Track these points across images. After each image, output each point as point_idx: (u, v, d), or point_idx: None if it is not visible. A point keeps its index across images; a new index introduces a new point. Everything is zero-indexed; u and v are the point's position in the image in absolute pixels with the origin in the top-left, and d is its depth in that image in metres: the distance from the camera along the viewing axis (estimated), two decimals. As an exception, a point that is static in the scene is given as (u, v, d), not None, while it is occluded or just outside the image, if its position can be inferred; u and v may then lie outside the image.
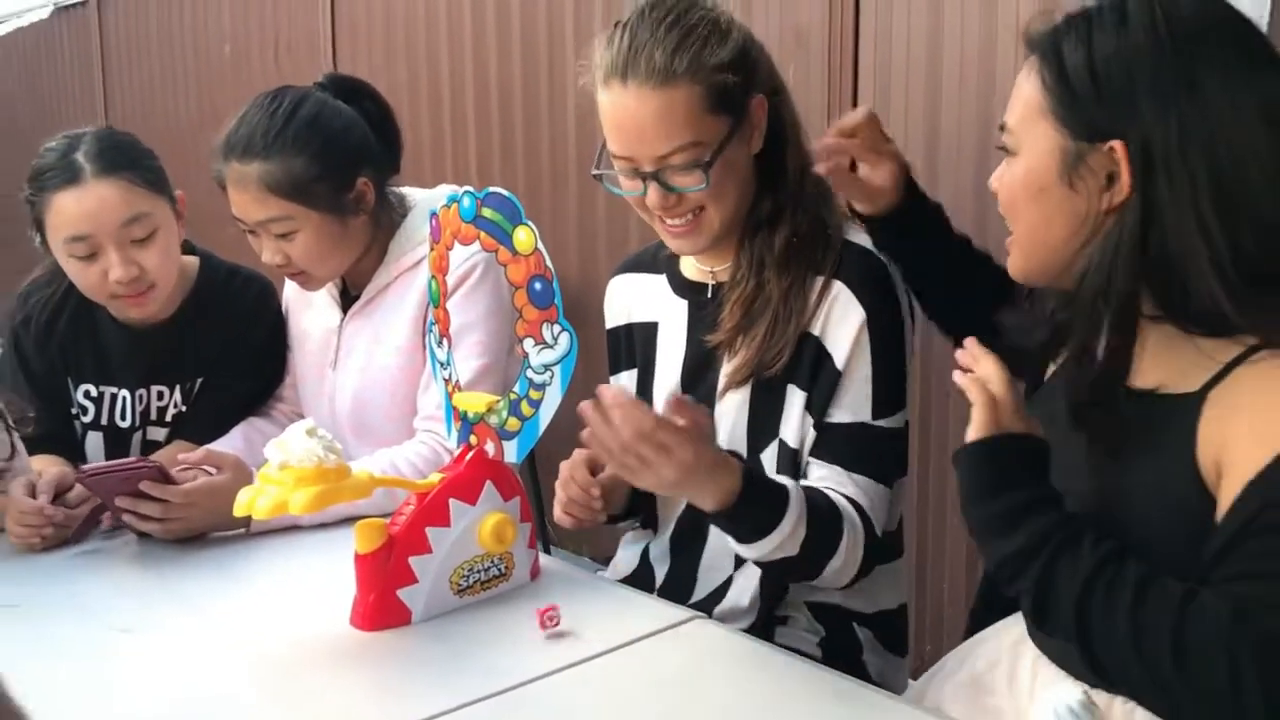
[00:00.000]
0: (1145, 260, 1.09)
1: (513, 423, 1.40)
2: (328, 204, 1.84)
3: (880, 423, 1.47)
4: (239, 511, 1.32)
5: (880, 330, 1.46)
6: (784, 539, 1.35)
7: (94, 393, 2.05)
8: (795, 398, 1.50)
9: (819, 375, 1.47)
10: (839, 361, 1.46)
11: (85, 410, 2.05)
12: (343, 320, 1.99)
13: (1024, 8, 2.21)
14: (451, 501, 1.39)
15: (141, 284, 1.91)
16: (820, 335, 1.47)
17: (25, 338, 2.05)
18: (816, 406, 1.48)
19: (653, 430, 1.24)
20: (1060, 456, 1.18)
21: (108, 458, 2.02)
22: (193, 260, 2.08)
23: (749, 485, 1.33)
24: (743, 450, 1.53)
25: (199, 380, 2.05)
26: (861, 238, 1.53)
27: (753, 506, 1.34)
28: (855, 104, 2.54)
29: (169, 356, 2.03)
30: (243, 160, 1.81)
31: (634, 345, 1.68)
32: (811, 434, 1.49)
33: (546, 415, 1.38)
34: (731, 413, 1.53)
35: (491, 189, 1.37)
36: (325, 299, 2.03)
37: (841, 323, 1.46)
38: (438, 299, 1.48)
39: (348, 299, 2.01)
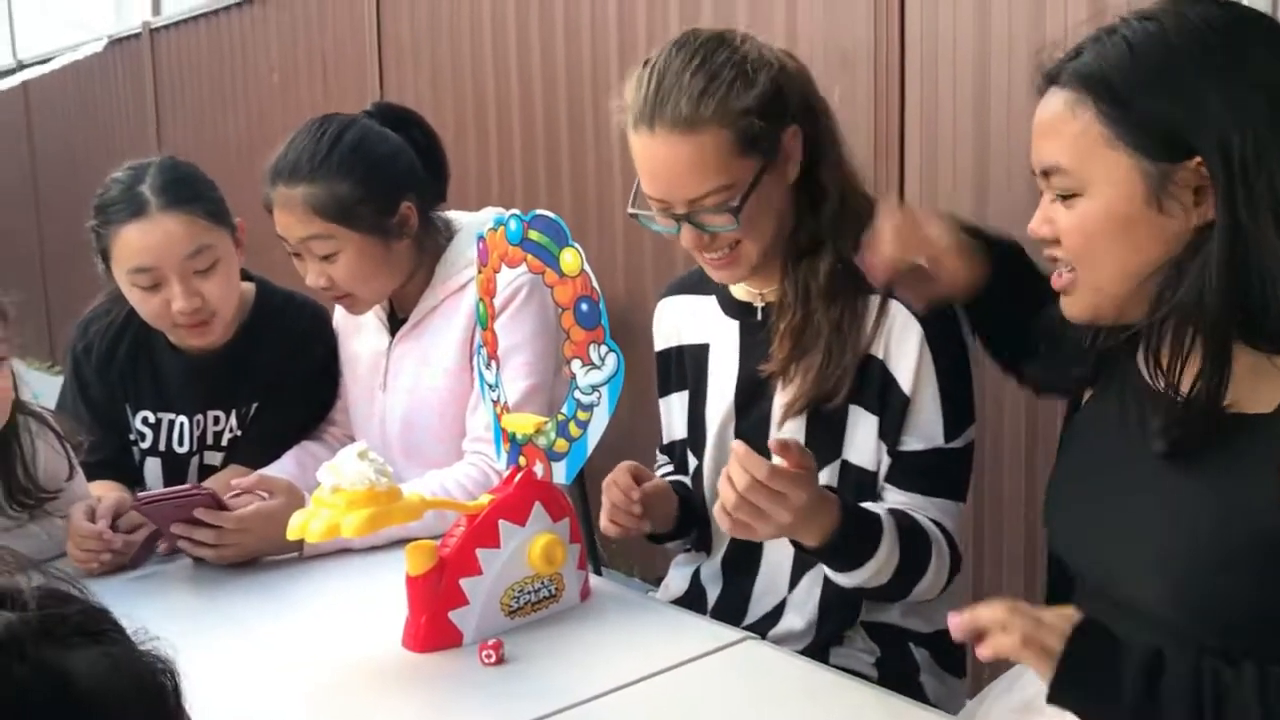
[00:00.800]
0: (1233, 275, 1.05)
1: (561, 444, 1.40)
2: (370, 226, 1.86)
3: (953, 444, 1.47)
4: (292, 535, 1.34)
5: (941, 345, 1.46)
6: (880, 566, 1.39)
7: (152, 419, 2.07)
8: (862, 420, 1.49)
9: (887, 400, 1.47)
10: (905, 386, 1.46)
11: (143, 436, 2.08)
12: (391, 343, 2.01)
13: (1073, 23, 2.19)
14: (501, 523, 1.40)
15: (203, 313, 1.95)
16: (884, 359, 1.47)
17: (85, 365, 2.08)
18: (889, 435, 1.48)
19: (768, 477, 1.25)
20: (1116, 480, 1.15)
21: (165, 483, 2.05)
22: (249, 286, 2.11)
23: (847, 519, 1.35)
24: None
25: (254, 405, 2.08)
26: None
27: (850, 539, 1.36)
28: (902, 124, 2.52)
29: (226, 382, 2.06)
30: (289, 183, 1.84)
31: (684, 367, 1.68)
32: (886, 460, 1.49)
33: (594, 436, 1.38)
34: (788, 436, 1.52)
35: (538, 212, 1.38)
36: (374, 322, 2.05)
37: (902, 344, 1.45)
38: (486, 321, 1.49)
39: (395, 322, 2.03)
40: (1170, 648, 1.04)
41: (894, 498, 1.48)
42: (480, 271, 1.47)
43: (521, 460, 1.45)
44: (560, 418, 1.40)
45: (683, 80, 1.41)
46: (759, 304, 1.58)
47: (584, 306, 1.34)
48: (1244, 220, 1.04)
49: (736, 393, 1.59)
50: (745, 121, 1.41)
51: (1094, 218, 1.12)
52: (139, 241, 1.90)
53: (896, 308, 1.46)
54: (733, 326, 1.61)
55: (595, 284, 1.33)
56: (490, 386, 1.50)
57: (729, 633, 1.43)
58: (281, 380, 2.07)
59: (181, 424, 2.06)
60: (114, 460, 2.04)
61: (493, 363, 1.50)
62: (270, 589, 1.63)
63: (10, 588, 0.61)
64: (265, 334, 2.07)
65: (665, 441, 1.75)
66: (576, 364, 1.36)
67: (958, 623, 1.04)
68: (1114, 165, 1.09)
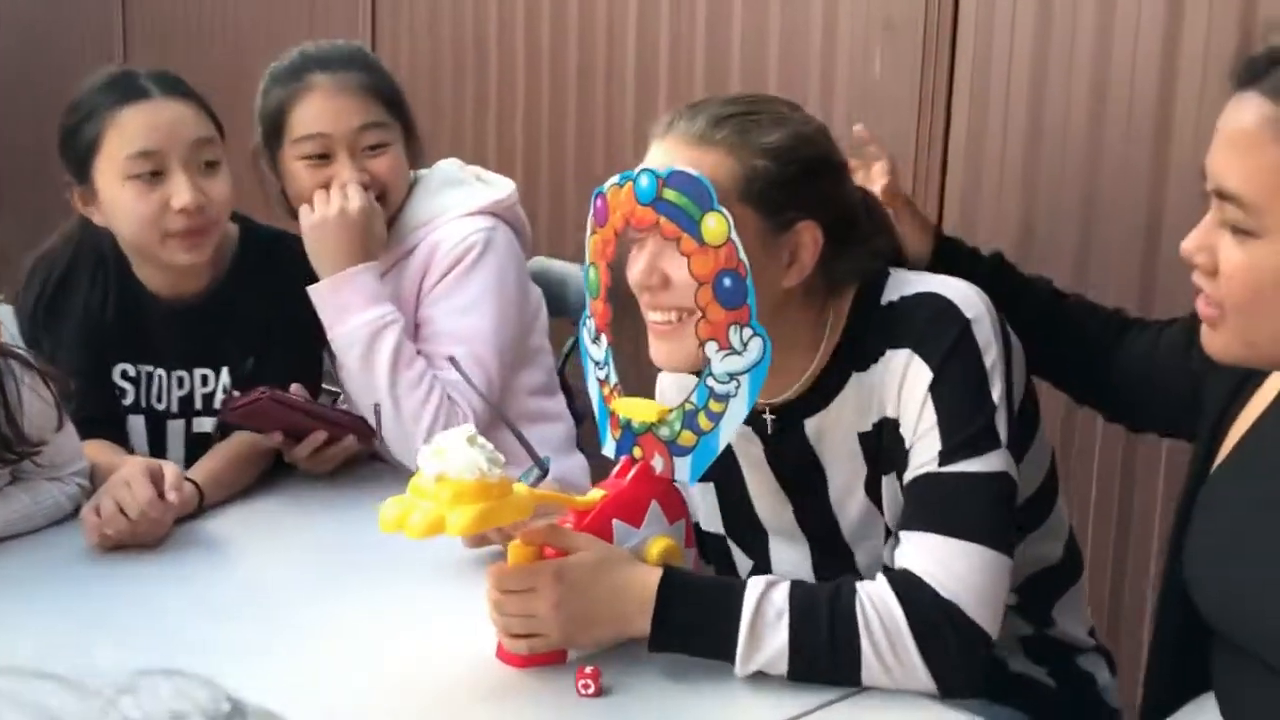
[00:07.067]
0: None
1: (687, 436, 1.23)
2: (409, 135, 1.89)
3: (950, 469, 1.23)
4: (387, 528, 1.14)
5: (950, 378, 1.24)
6: (751, 648, 1.19)
7: (131, 372, 1.87)
8: (893, 486, 1.31)
9: (897, 453, 1.28)
10: (908, 434, 1.26)
11: (123, 392, 1.87)
12: None
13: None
14: (615, 523, 1.23)
15: (204, 218, 1.77)
16: (897, 417, 1.27)
17: (44, 316, 1.87)
18: (902, 483, 1.29)
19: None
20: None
21: (150, 445, 1.87)
22: (232, 226, 1.90)
23: (669, 580, 1.20)
24: (880, 541, 1.36)
25: (250, 360, 1.86)
26: (924, 283, 1.31)
27: (683, 606, 1.20)
28: (951, 97, 2.39)
29: (211, 334, 1.86)
30: (343, 69, 1.83)
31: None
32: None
33: (728, 431, 1.21)
34: (854, 514, 1.36)
35: (676, 168, 1.21)
36: None
37: (911, 397, 1.25)
38: (596, 290, 1.31)
39: None
40: None
41: (900, 543, 1.27)
42: (595, 233, 1.29)
43: (636, 452, 1.28)
44: (689, 407, 1.23)
45: (714, 106, 1.30)
46: (767, 415, 1.36)
47: (726, 281, 1.18)
48: None
49: (780, 480, 1.40)
50: (754, 162, 1.24)
51: (1271, 270, 0.96)
52: (144, 121, 1.74)
53: (909, 358, 1.25)
54: (754, 438, 1.39)
55: (743, 255, 1.17)
56: (597, 364, 1.33)
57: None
58: (274, 328, 1.87)
59: (160, 377, 1.87)
60: (103, 417, 1.83)
61: (601, 336, 1.32)
62: (361, 593, 1.45)
63: None
64: (252, 277, 1.88)
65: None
66: (712, 347, 1.20)
67: None
68: None
